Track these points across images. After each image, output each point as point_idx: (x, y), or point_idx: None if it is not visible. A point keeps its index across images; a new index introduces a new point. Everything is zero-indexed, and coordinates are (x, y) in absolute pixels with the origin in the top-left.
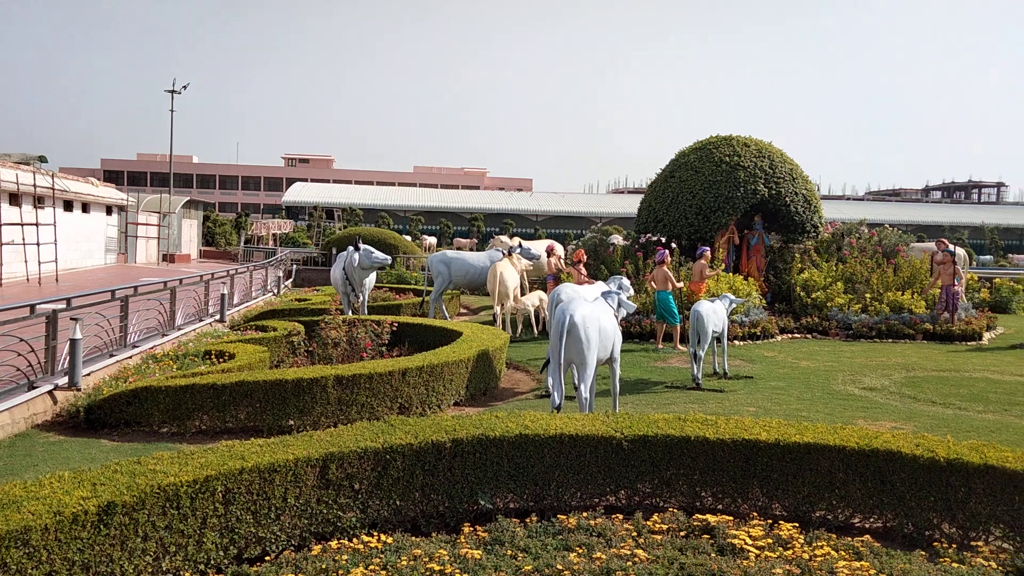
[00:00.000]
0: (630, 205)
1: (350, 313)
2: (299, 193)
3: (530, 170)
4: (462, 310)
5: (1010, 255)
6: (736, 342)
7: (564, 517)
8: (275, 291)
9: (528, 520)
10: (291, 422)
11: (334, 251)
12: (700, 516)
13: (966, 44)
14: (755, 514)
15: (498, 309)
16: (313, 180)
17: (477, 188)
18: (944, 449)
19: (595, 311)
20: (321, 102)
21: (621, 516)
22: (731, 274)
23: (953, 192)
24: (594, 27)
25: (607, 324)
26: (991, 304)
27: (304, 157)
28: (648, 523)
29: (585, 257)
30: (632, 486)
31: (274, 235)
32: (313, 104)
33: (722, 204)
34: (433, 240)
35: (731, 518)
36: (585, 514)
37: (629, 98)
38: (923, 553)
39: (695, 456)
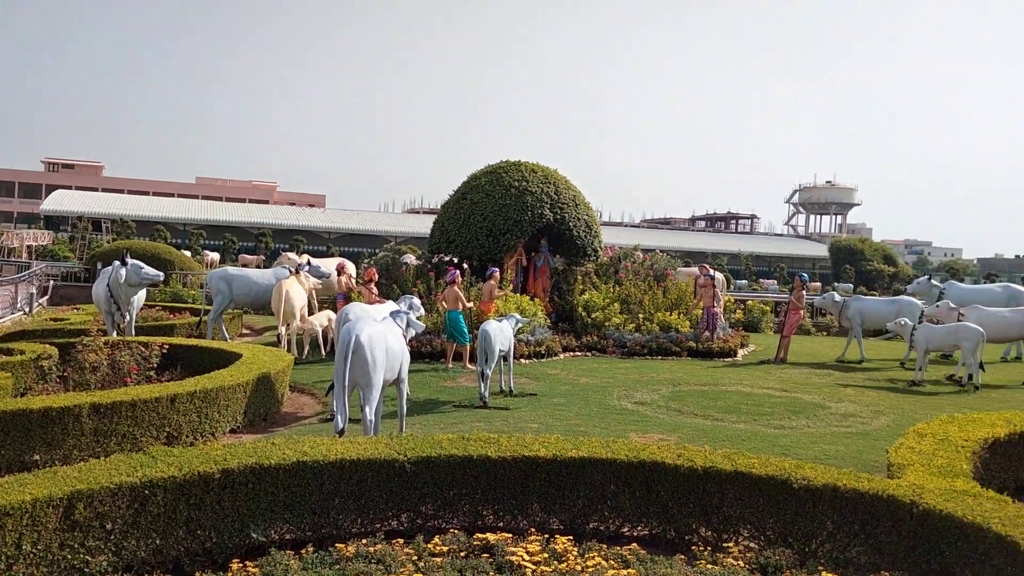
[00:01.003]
0: (425, 225)
1: (114, 334)
2: (61, 201)
3: (324, 186)
4: (244, 331)
5: (761, 280)
6: (522, 360)
7: (343, 546)
8: (26, 309)
9: (304, 551)
10: (36, 457)
11: (99, 266)
12: (481, 535)
13: (725, 92)
14: (533, 530)
15: (283, 329)
16: (79, 188)
17: (266, 202)
18: (702, 458)
19: (383, 331)
20: (91, 104)
21: (402, 540)
22: (519, 295)
23: (715, 222)
24: (388, 45)
25: (395, 344)
26: (745, 324)
27: (69, 162)
28: (429, 546)
29: (377, 276)
30: (415, 509)
31: (29, 247)
32: (80, 105)
33: (511, 227)
34: (216, 256)
35: (510, 535)
36: (364, 541)
37: (424, 117)
38: (683, 557)
39: (478, 475)
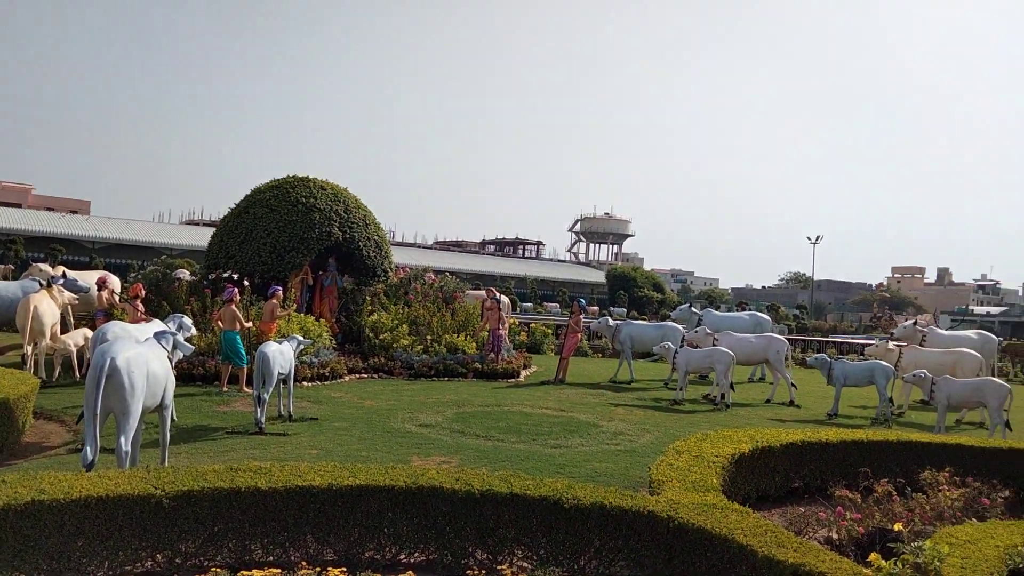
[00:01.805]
0: (204, 237)
1: None
2: None
3: (89, 191)
4: None
5: (545, 303)
6: (305, 383)
7: None
8: None
9: None
10: None
11: None
12: (246, 573)
13: (514, 121)
14: (304, 563)
15: (28, 349)
16: None
17: (19, 206)
18: (479, 482)
19: (143, 354)
20: None
21: None
22: (304, 315)
23: (504, 247)
24: (152, 50)
25: (157, 368)
26: (528, 346)
27: None
28: None
29: (144, 292)
30: (173, 547)
31: None
32: None
33: (297, 244)
34: None
35: (279, 570)
36: None
37: (203, 122)
38: None
39: (246, 508)
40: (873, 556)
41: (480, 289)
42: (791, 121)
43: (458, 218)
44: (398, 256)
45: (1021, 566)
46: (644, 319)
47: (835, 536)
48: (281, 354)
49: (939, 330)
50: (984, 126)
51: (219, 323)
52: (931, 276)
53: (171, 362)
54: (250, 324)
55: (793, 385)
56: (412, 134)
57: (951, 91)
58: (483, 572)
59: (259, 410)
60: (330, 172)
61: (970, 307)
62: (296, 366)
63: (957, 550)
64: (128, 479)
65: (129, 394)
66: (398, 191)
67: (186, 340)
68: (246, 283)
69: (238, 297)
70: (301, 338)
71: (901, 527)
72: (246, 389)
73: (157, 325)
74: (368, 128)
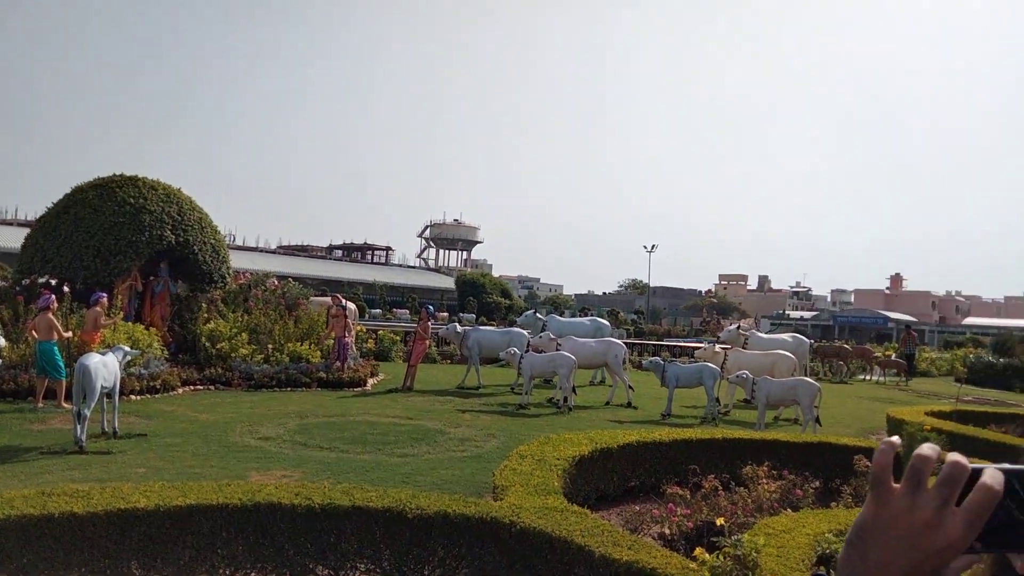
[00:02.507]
0: (17, 239)
1: None
2: None
3: None
4: None
5: (395, 309)
6: (133, 396)
7: None
8: None
9: None
10: None
11: None
12: None
13: (362, 124)
14: None
15: None
16: None
17: None
18: (320, 496)
19: None
20: None
21: None
22: (132, 323)
23: (352, 252)
24: None
25: None
26: (376, 353)
27: None
28: None
29: None
30: None
31: None
32: None
33: (124, 248)
34: None
35: None
36: None
37: (14, 114)
38: None
39: (60, 536)
40: (698, 551)
41: (326, 295)
42: (626, 131)
43: (304, 222)
44: (239, 261)
45: (827, 551)
46: (493, 324)
47: (667, 531)
48: (104, 366)
49: (759, 334)
50: (795, 142)
51: (33, 333)
52: (753, 283)
53: None
54: (70, 334)
55: (631, 387)
56: (255, 134)
57: (765, 109)
58: None
59: (79, 427)
60: (162, 172)
61: (787, 312)
62: (122, 378)
63: (773, 540)
64: None
65: None
66: (239, 193)
67: None
68: (66, 289)
69: (56, 304)
70: (128, 348)
71: (723, 521)
72: (64, 404)
73: None
74: (208, 127)
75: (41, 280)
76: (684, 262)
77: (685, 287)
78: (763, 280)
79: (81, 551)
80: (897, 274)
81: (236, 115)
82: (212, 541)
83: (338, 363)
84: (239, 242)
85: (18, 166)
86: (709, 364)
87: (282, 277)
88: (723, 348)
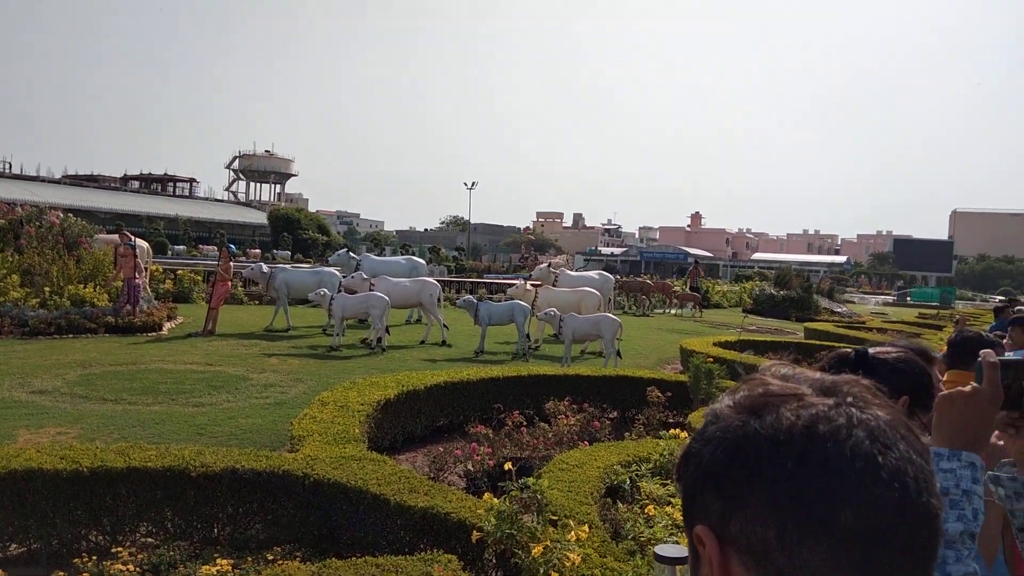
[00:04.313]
0: None
1: None
2: None
3: None
4: None
5: (201, 246)
6: None
7: None
8: None
9: None
10: None
11: None
12: None
13: (140, 51)
14: None
15: None
16: None
17: None
18: (89, 458)
19: None
20: None
21: None
22: None
23: (151, 184)
24: None
25: None
26: (175, 295)
27: None
28: None
29: None
30: None
31: None
32: None
33: None
34: None
35: None
36: None
37: None
38: (62, 573)
39: None
40: (487, 496)
41: (117, 232)
42: (446, 60)
43: (96, 149)
44: (15, 191)
45: (616, 482)
46: (309, 262)
47: (472, 469)
48: None
49: (568, 271)
50: (610, 76)
51: None
52: (569, 221)
53: None
54: None
55: (445, 326)
56: (41, 47)
57: (586, 42)
58: (94, 558)
59: None
60: None
61: (599, 248)
62: None
63: (565, 474)
64: None
65: None
66: (17, 114)
67: None
68: None
69: None
70: None
71: (510, 466)
72: None
73: None
74: None
75: None
76: (504, 199)
77: (505, 224)
78: (578, 217)
79: None
80: (697, 212)
81: (21, 23)
82: None
83: (128, 306)
84: (15, 169)
85: None
86: (520, 302)
87: (68, 211)
88: (534, 286)
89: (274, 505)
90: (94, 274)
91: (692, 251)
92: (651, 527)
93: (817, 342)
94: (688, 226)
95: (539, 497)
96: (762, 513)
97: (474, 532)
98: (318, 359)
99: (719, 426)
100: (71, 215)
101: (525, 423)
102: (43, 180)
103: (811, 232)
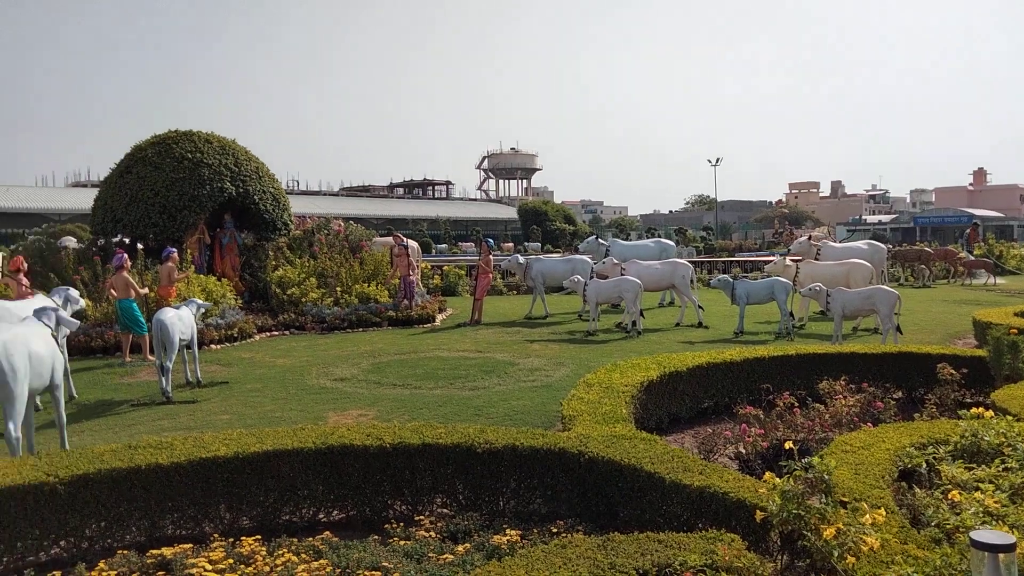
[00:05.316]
0: (92, 200)
1: None
2: None
3: None
4: None
5: (460, 243)
6: (212, 346)
7: None
8: None
9: None
10: None
11: None
12: (155, 551)
13: (413, 63)
14: (217, 535)
15: None
16: None
17: None
18: (390, 435)
19: (23, 335)
20: None
21: (59, 573)
22: (205, 275)
23: (413, 189)
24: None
25: (40, 348)
26: (442, 289)
27: None
28: (93, 573)
29: (25, 265)
30: (77, 533)
31: None
32: None
33: (188, 203)
34: None
35: (191, 545)
36: None
37: (77, 78)
38: (376, 537)
39: (149, 486)
40: (768, 475)
41: (389, 235)
42: (687, 46)
43: (364, 162)
44: (304, 205)
45: (909, 466)
46: (558, 252)
47: (743, 451)
48: (180, 319)
49: (831, 243)
50: (869, 41)
51: (112, 291)
52: (825, 190)
53: (56, 339)
54: (146, 290)
55: (700, 307)
56: (311, 80)
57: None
58: (401, 525)
59: (163, 379)
60: (220, 124)
61: (863, 217)
62: (201, 329)
63: (850, 456)
64: (18, 468)
65: (11, 379)
66: (299, 138)
67: (75, 313)
68: (139, 247)
69: (129, 263)
70: (200, 301)
71: (791, 445)
72: (150, 357)
73: (42, 300)
74: (266, 76)
75: (115, 240)
76: (752, 173)
77: (755, 199)
78: (836, 186)
79: (171, 498)
80: (980, 169)
81: (290, 60)
82: (292, 483)
83: (405, 301)
84: (303, 187)
85: (90, 127)
86: (780, 278)
87: (345, 219)
88: (794, 261)
89: (553, 481)
90: (375, 274)
91: (977, 212)
92: (957, 514)
93: None
94: (970, 184)
95: (826, 478)
96: None
97: (757, 512)
98: (577, 344)
99: None
100: (351, 222)
101: (797, 404)
102: (324, 194)
103: None
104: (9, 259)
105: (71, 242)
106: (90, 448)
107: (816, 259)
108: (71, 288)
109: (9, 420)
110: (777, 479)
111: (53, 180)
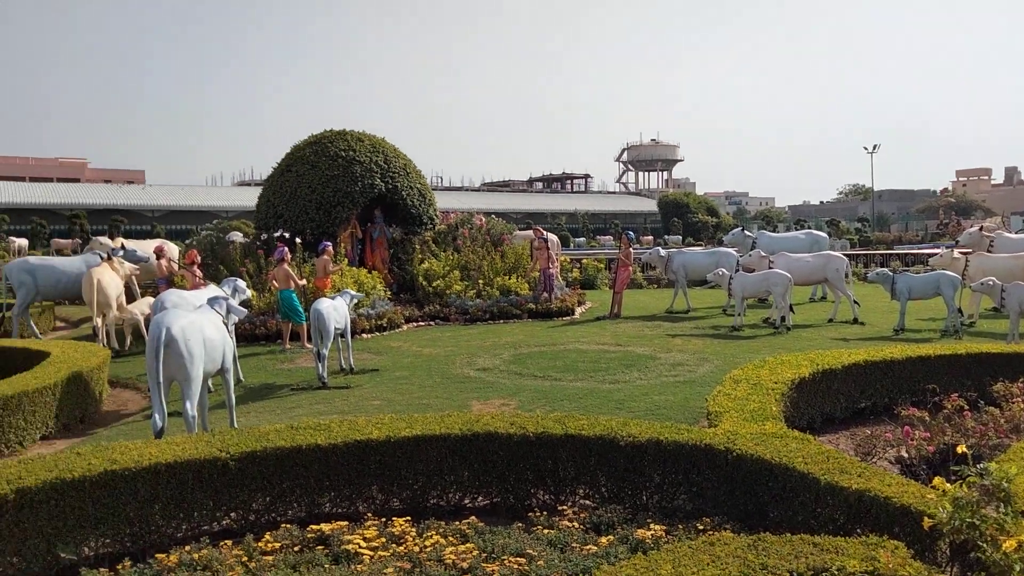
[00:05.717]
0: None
1: None
2: None
3: (142, 161)
4: (59, 324)
5: (598, 237)
6: (364, 335)
7: (163, 556)
8: None
9: (121, 567)
10: None
11: None
12: (315, 527)
13: (553, 57)
14: (370, 514)
15: (98, 321)
16: None
17: (77, 180)
18: (534, 425)
19: (198, 321)
20: None
21: (231, 542)
22: (357, 268)
23: (551, 183)
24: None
25: (213, 334)
26: (581, 282)
27: None
28: (259, 544)
29: (199, 258)
30: (245, 507)
31: None
32: None
33: (341, 199)
34: (24, 242)
35: (347, 522)
36: (188, 547)
37: (243, 86)
38: (520, 524)
39: (309, 465)
40: (937, 480)
41: (529, 229)
42: (838, 26)
43: (504, 158)
44: (447, 201)
45: None
46: (700, 245)
47: (906, 455)
48: (335, 309)
49: (1007, 234)
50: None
51: (274, 283)
52: (999, 177)
53: (227, 326)
54: (304, 282)
55: (856, 302)
56: (453, 79)
57: None
58: (544, 514)
59: (320, 365)
60: (372, 123)
61: None
62: (353, 319)
63: None
64: (194, 444)
65: (188, 361)
66: (443, 136)
67: (242, 302)
68: (298, 241)
69: (289, 256)
70: (354, 292)
71: (964, 449)
72: (307, 346)
73: (214, 290)
74: (411, 76)
75: (276, 234)
76: (914, 160)
77: (916, 188)
78: (1011, 172)
79: (329, 477)
80: None
81: (434, 63)
82: (440, 468)
83: (545, 294)
84: (446, 183)
85: (249, 128)
86: (947, 272)
87: (487, 214)
88: (963, 253)
89: (698, 477)
90: (516, 267)
91: None
92: None
93: None
94: None
95: (1005, 485)
96: None
97: (924, 519)
98: (721, 339)
99: None
100: (492, 216)
101: (967, 407)
102: (466, 189)
103: None
104: (185, 253)
105: (238, 237)
106: (256, 428)
107: (989, 251)
108: (239, 279)
109: (187, 400)
110: (947, 485)
111: (221, 179)
